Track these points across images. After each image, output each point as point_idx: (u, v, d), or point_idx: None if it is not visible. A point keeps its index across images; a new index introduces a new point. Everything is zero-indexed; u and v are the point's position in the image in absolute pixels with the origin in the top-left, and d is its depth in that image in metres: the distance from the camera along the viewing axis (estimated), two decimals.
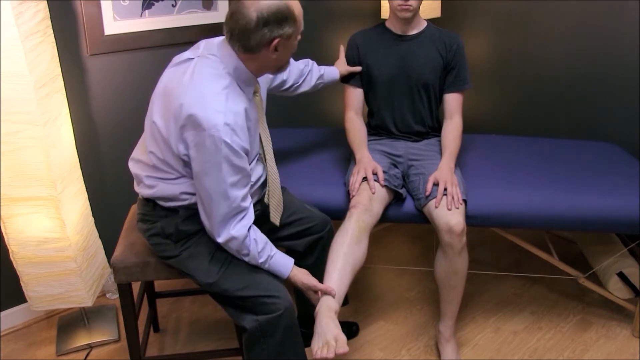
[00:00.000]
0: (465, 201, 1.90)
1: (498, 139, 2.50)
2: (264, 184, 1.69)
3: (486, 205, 1.95)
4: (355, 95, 2.14)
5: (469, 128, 2.58)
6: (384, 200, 1.91)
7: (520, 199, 1.96)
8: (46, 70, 1.74)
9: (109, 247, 2.24)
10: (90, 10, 2.02)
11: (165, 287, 2.39)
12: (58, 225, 1.84)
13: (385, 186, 1.92)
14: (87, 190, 2.07)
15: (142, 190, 1.62)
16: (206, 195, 1.46)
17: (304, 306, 1.99)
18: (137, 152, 1.63)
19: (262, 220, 1.69)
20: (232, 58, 1.45)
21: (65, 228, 1.84)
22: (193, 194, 1.55)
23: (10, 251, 1.88)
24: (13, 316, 2.19)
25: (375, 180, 1.91)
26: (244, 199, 1.49)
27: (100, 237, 2.15)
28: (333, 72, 2.08)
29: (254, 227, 1.56)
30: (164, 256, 1.64)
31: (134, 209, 1.99)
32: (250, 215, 1.54)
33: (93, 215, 2.11)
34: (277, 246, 1.65)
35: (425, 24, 2.11)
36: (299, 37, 1.50)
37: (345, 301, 2.14)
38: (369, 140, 2.13)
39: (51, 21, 1.84)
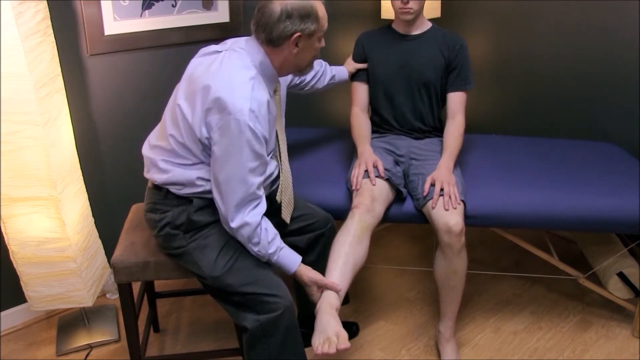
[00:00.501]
0: (463, 202, 1.90)
1: (498, 139, 2.50)
2: (275, 180, 1.71)
3: (486, 205, 1.95)
4: (361, 91, 2.20)
5: (469, 128, 2.58)
6: (386, 200, 1.92)
7: (520, 199, 1.96)
8: (46, 70, 1.74)
9: (109, 247, 2.24)
10: (90, 10, 2.02)
11: (165, 287, 2.39)
12: (58, 225, 1.84)
13: (387, 180, 1.93)
14: (87, 190, 2.07)
15: (155, 176, 1.62)
16: (224, 179, 1.49)
17: (304, 306, 2.00)
18: (154, 138, 1.65)
19: (267, 217, 1.69)
20: (259, 52, 1.53)
21: (65, 228, 1.84)
22: (209, 180, 1.56)
23: (10, 251, 1.88)
24: (13, 316, 2.19)
25: (376, 176, 1.92)
26: (259, 187, 1.53)
27: (100, 237, 2.15)
28: (343, 72, 2.19)
29: (266, 218, 1.58)
30: (171, 247, 1.63)
31: (134, 209, 1.99)
32: (264, 205, 1.56)
33: (93, 215, 2.11)
34: None
35: (429, 25, 2.15)
36: (322, 42, 1.58)
37: (346, 300, 2.15)
38: (372, 137, 2.16)
39: (51, 21, 1.84)
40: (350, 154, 2.24)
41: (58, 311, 2.27)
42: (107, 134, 2.22)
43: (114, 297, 2.37)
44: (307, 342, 1.59)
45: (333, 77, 2.15)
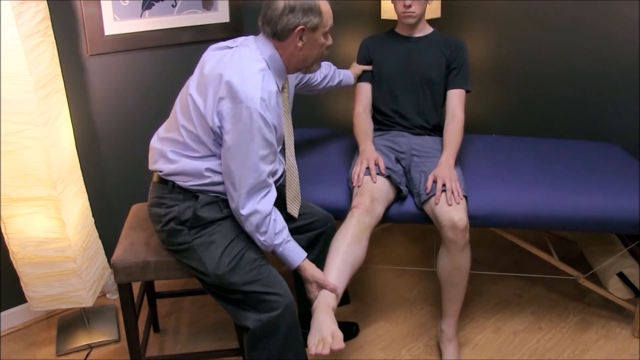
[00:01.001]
0: (466, 197, 1.91)
1: (498, 139, 2.50)
2: (280, 177, 1.72)
3: (486, 205, 1.95)
4: (364, 91, 2.24)
5: (470, 128, 2.58)
6: (386, 200, 1.92)
7: (520, 199, 1.96)
8: (46, 70, 1.74)
9: (109, 247, 2.24)
10: (91, 10, 2.02)
11: (165, 287, 2.39)
12: (58, 226, 1.84)
13: (388, 177, 1.94)
14: (87, 191, 2.07)
15: (162, 166, 1.63)
16: (236, 167, 1.51)
17: (305, 306, 2.00)
18: (163, 130, 1.67)
19: None
20: (268, 46, 1.58)
21: (65, 228, 1.84)
22: (217, 172, 1.58)
23: (10, 251, 1.88)
24: (13, 316, 2.19)
25: (377, 173, 1.93)
26: (269, 175, 1.56)
27: (100, 237, 2.15)
28: (349, 77, 2.25)
29: (276, 209, 1.60)
30: (174, 242, 1.63)
31: (134, 209, 1.99)
32: (274, 193, 1.59)
33: (93, 216, 2.11)
34: None
35: (431, 29, 2.24)
36: (329, 40, 1.62)
37: (346, 301, 2.15)
38: (374, 136, 2.19)
39: (51, 21, 1.84)
40: (352, 154, 2.25)
41: (58, 311, 2.27)
42: (107, 134, 2.22)
43: (114, 297, 2.37)
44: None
45: (340, 81, 2.20)
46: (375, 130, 2.24)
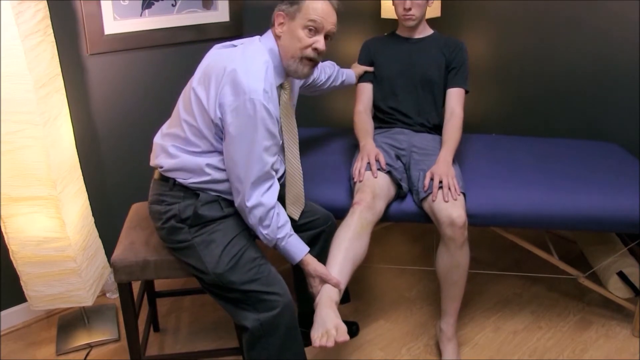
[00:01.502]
0: (464, 194, 1.91)
1: (498, 138, 2.50)
2: (280, 177, 1.73)
3: (486, 204, 1.95)
4: (365, 91, 2.27)
5: (469, 128, 2.58)
6: (387, 197, 1.93)
7: (520, 198, 1.96)
8: (46, 69, 1.74)
9: (109, 246, 2.24)
10: (90, 9, 2.02)
11: (165, 286, 2.39)
12: (58, 225, 1.84)
13: (389, 173, 1.95)
14: (87, 190, 2.07)
15: (163, 161, 1.63)
16: (240, 158, 1.51)
17: (305, 305, 2.00)
18: (166, 126, 1.67)
19: None
20: (270, 39, 1.61)
21: (65, 227, 1.84)
22: (217, 169, 1.59)
23: (10, 251, 1.88)
24: (13, 316, 2.20)
25: (378, 168, 1.94)
26: (273, 167, 1.56)
27: (100, 236, 2.15)
28: (351, 77, 2.26)
29: (279, 203, 1.60)
30: (174, 240, 1.63)
31: (134, 208, 1.99)
32: (277, 187, 1.59)
33: (93, 215, 2.11)
34: None
35: (431, 31, 2.27)
36: (314, 38, 1.57)
37: (347, 300, 2.15)
38: (374, 134, 2.20)
39: (51, 20, 1.84)
40: (353, 153, 2.25)
41: (58, 310, 2.27)
42: (107, 133, 2.22)
43: (113, 296, 2.37)
44: (307, 341, 1.59)
45: (343, 81, 2.21)
46: (376, 128, 2.25)
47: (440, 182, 1.89)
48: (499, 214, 1.95)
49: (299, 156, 1.75)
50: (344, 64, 2.31)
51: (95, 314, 2.23)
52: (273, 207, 1.57)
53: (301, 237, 1.83)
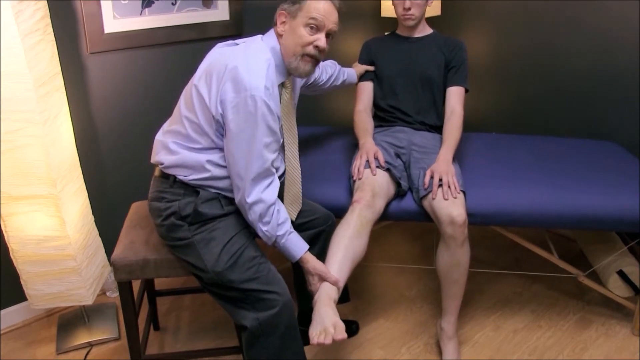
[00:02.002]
0: (464, 192, 1.92)
1: (498, 137, 2.50)
2: (280, 176, 1.72)
3: (486, 203, 1.95)
4: (366, 90, 2.28)
5: (470, 126, 2.58)
6: (386, 195, 1.93)
7: (520, 197, 1.96)
8: (46, 68, 1.73)
9: (109, 245, 2.24)
10: (90, 8, 2.02)
11: (165, 285, 2.39)
12: (58, 224, 1.84)
13: (388, 171, 1.96)
14: (87, 189, 2.07)
15: (163, 157, 1.63)
16: (241, 155, 1.52)
17: (305, 304, 2.00)
18: (167, 124, 1.68)
19: None
20: (272, 38, 1.62)
21: (65, 226, 1.84)
22: (218, 165, 1.59)
23: (10, 249, 1.88)
24: (13, 314, 2.20)
25: (377, 166, 1.95)
26: (273, 164, 1.57)
27: (100, 235, 2.15)
28: (353, 75, 2.26)
29: (279, 201, 1.61)
30: (173, 238, 1.63)
31: (134, 207, 1.99)
32: (277, 183, 1.60)
33: (93, 214, 2.11)
34: None
35: (431, 30, 2.28)
36: (315, 36, 1.58)
37: (346, 299, 2.15)
38: (374, 132, 2.21)
39: (51, 19, 1.84)
40: (353, 152, 2.25)
41: (58, 309, 2.28)
42: (107, 132, 2.22)
43: (114, 295, 2.37)
44: (307, 339, 1.59)
45: (344, 80, 2.21)
46: (376, 126, 2.26)
47: (440, 180, 1.89)
48: (499, 213, 1.95)
49: (298, 156, 1.75)
50: (344, 63, 2.31)
51: (96, 312, 2.24)
52: (273, 204, 1.57)
53: (301, 237, 1.84)
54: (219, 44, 1.68)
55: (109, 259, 2.22)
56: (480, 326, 2.20)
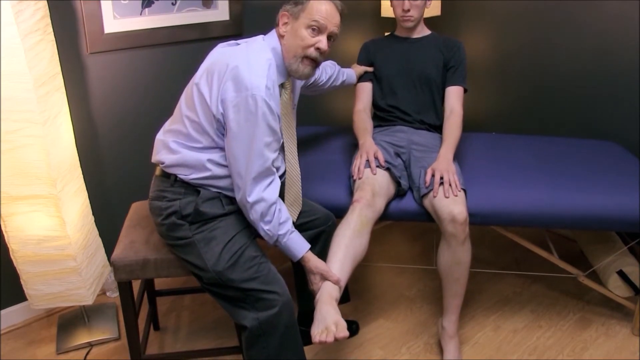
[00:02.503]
0: (464, 190, 1.92)
1: (498, 137, 2.50)
2: (281, 176, 1.73)
3: (486, 203, 1.95)
4: (365, 91, 2.29)
5: (469, 126, 2.58)
6: (387, 195, 1.93)
7: (520, 197, 1.96)
8: (46, 68, 1.74)
9: (109, 245, 2.24)
10: (90, 8, 2.02)
11: (165, 285, 2.39)
12: (58, 224, 1.84)
13: (388, 170, 1.96)
14: (87, 189, 2.07)
15: (164, 157, 1.63)
16: (242, 154, 1.52)
17: (305, 304, 2.00)
18: (168, 123, 1.68)
19: None
20: (274, 39, 1.63)
21: (65, 226, 1.84)
22: (219, 164, 1.59)
23: (10, 249, 1.88)
24: (13, 314, 2.20)
25: (377, 165, 1.95)
26: (273, 163, 1.57)
27: (100, 235, 2.15)
28: (352, 76, 2.27)
29: (280, 200, 1.61)
30: (174, 237, 1.63)
31: (134, 207, 1.99)
32: (278, 182, 1.60)
33: (93, 214, 2.11)
34: None
35: (429, 31, 2.30)
36: (317, 38, 1.58)
37: (346, 299, 2.15)
38: (374, 132, 2.21)
39: (51, 19, 1.84)
40: (353, 152, 2.25)
41: (58, 309, 2.28)
42: (107, 132, 2.22)
43: (114, 295, 2.37)
44: (307, 339, 1.59)
45: (344, 81, 2.22)
46: (376, 126, 2.26)
47: (441, 178, 1.89)
48: (498, 212, 1.95)
49: (297, 156, 1.75)
50: (344, 63, 2.31)
51: (96, 312, 2.24)
52: (274, 203, 1.57)
53: None
54: (221, 44, 1.68)
55: (109, 259, 2.22)
56: (480, 326, 2.20)
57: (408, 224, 2.95)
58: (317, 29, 1.58)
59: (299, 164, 1.77)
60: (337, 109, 2.96)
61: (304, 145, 2.36)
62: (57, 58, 1.85)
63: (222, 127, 1.54)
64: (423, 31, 2.28)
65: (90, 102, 2.15)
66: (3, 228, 1.84)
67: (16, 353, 2.06)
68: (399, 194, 2.00)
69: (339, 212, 1.95)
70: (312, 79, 2.03)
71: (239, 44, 1.64)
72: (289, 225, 1.62)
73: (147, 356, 1.85)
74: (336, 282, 1.66)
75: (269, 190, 1.56)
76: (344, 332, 1.51)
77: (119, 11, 2.09)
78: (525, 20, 2.66)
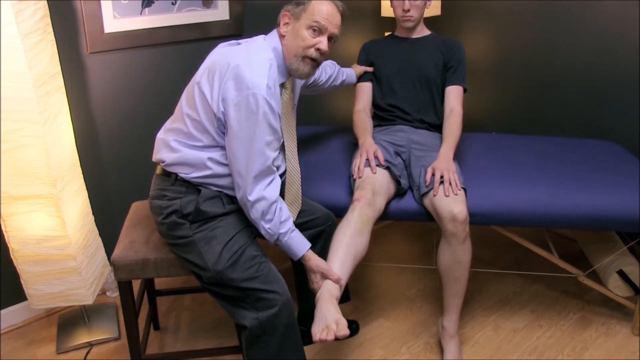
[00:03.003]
0: (465, 189, 1.92)
1: (498, 137, 2.50)
2: (281, 175, 1.73)
3: (486, 203, 1.95)
4: (365, 90, 2.30)
5: (470, 126, 2.58)
6: (387, 194, 1.93)
7: (520, 197, 1.96)
8: (46, 68, 1.74)
9: (109, 245, 2.24)
10: (90, 8, 2.02)
11: (165, 285, 2.39)
12: (58, 224, 1.84)
13: (387, 169, 1.96)
14: (87, 189, 2.07)
15: (164, 155, 1.63)
16: (242, 153, 1.52)
17: (305, 303, 2.00)
18: (169, 122, 1.68)
19: None
20: (275, 38, 1.63)
21: (65, 226, 1.84)
22: (219, 163, 1.59)
23: (10, 249, 1.88)
24: (13, 314, 2.20)
25: (377, 165, 1.96)
26: (274, 162, 1.57)
27: (101, 235, 2.15)
28: (352, 76, 2.28)
29: (281, 199, 1.61)
30: (174, 236, 1.63)
31: (134, 207, 1.99)
32: (279, 181, 1.60)
33: (93, 213, 2.11)
34: None
35: (429, 32, 2.30)
36: (317, 39, 1.59)
37: (347, 298, 2.15)
38: (374, 132, 2.22)
39: (51, 19, 1.84)
40: (352, 152, 2.25)
41: (58, 309, 2.28)
42: (107, 132, 2.22)
43: (114, 295, 2.37)
44: (307, 339, 1.59)
45: (343, 80, 2.22)
46: (376, 125, 2.27)
47: (441, 177, 1.89)
48: (499, 212, 1.95)
49: (297, 156, 1.76)
50: (344, 63, 2.31)
51: (96, 312, 2.24)
52: (275, 201, 1.57)
53: None
54: (222, 44, 1.68)
55: (109, 259, 2.22)
56: (480, 326, 2.20)
57: (408, 224, 2.95)
58: (318, 30, 1.59)
59: (299, 164, 1.77)
60: (337, 109, 2.96)
61: (304, 144, 2.36)
62: (57, 58, 1.85)
63: (222, 125, 1.55)
64: (423, 31, 2.29)
65: (90, 102, 2.15)
66: (3, 228, 1.84)
67: (16, 353, 2.06)
68: (399, 193, 2.00)
69: (339, 212, 1.95)
70: (312, 79, 2.03)
71: (240, 44, 1.64)
72: (290, 224, 1.62)
73: (147, 356, 1.85)
74: (337, 281, 1.66)
75: (269, 189, 1.56)
76: (344, 330, 1.51)
77: (119, 11, 2.09)
78: (525, 20, 2.66)
